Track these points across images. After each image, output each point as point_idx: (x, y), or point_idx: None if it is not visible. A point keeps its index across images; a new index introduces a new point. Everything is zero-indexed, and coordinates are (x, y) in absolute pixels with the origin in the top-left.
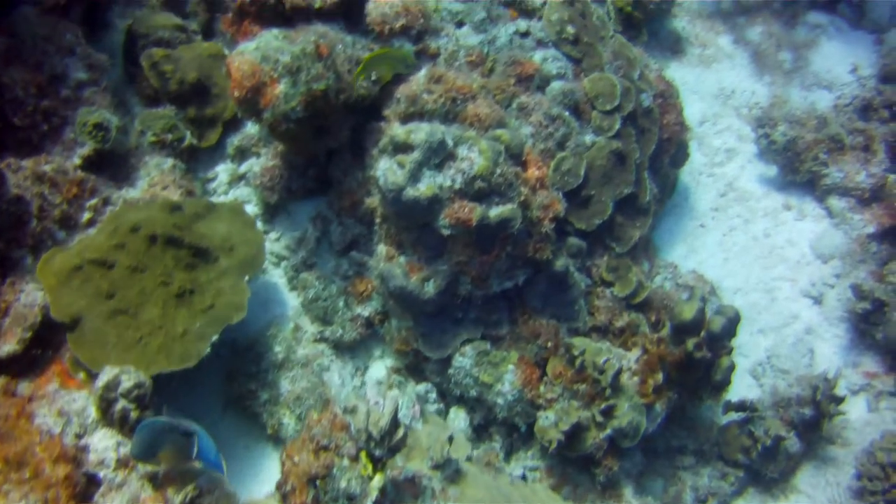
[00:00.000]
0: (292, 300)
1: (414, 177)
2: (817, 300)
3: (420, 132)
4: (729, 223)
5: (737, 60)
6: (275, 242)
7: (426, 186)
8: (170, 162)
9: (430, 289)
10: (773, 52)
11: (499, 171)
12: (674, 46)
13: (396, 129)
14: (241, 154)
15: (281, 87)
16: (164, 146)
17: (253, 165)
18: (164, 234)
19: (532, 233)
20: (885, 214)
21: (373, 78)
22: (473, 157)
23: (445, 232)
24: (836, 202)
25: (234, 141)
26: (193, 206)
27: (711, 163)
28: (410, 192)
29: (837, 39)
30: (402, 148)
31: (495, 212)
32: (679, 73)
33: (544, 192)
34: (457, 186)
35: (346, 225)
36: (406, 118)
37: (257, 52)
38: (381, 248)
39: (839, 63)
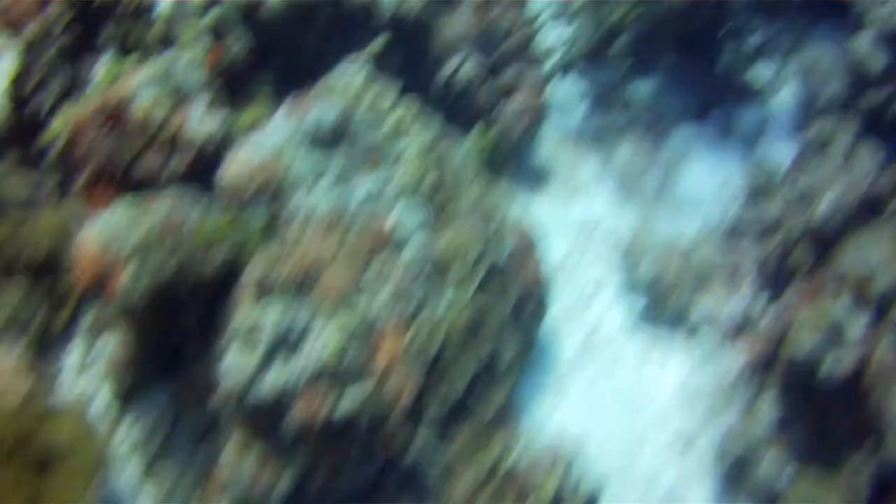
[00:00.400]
0: (147, 494)
1: (263, 366)
2: (685, 449)
3: (270, 315)
4: (593, 372)
5: (603, 186)
6: (130, 428)
7: (274, 378)
8: (21, 344)
9: (283, 482)
10: (640, 173)
11: (351, 352)
12: (539, 177)
13: (245, 314)
14: (95, 333)
15: (127, 274)
16: (14, 327)
17: (107, 345)
18: (8, 442)
19: (387, 417)
20: (752, 347)
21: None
22: (325, 339)
23: (296, 423)
24: (703, 338)
25: (87, 319)
26: (37, 408)
27: (575, 306)
28: (259, 386)
29: (707, 153)
30: (251, 332)
31: (347, 400)
32: (544, 207)
33: (399, 369)
34: (308, 374)
35: (200, 410)
36: (258, 294)
37: (102, 235)
38: (234, 438)
39: (707, 181)
